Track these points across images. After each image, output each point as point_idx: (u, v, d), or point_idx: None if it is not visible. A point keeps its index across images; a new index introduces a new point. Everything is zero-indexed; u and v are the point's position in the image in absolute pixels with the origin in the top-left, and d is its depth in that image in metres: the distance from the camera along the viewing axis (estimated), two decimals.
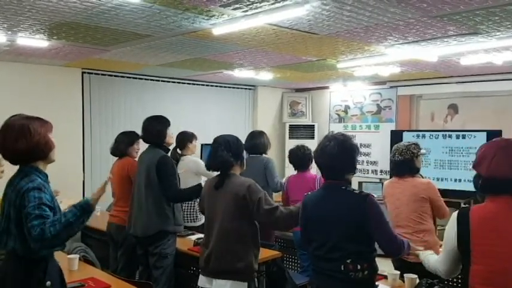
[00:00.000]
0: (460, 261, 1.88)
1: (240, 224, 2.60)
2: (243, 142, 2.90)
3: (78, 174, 5.38)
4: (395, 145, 3.32)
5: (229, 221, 2.60)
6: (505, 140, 1.92)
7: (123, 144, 3.98)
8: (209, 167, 2.79)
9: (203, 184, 3.08)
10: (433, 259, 2.13)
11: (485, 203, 1.85)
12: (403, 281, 2.73)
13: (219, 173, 2.73)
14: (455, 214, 1.89)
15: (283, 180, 4.31)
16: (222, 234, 2.62)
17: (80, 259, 3.13)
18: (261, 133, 4.33)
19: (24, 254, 2.01)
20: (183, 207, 4.06)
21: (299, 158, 4.13)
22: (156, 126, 3.47)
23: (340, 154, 2.22)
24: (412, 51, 4.00)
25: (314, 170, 3.89)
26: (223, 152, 2.65)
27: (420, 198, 3.11)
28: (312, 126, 7.26)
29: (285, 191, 4.23)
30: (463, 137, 5.46)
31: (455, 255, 1.88)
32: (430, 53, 4.07)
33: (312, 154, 2.67)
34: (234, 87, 7.04)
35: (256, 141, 4.20)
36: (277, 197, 5.40)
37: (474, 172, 1.90)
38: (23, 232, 1.96)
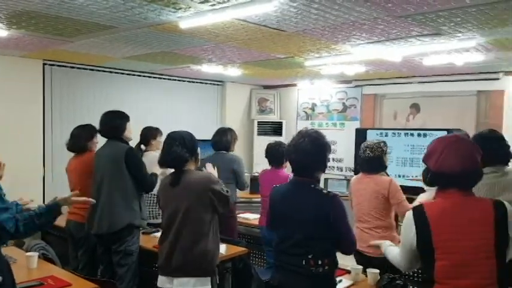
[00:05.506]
0: (419, 258, 1.89)
1: (199, 219, 2.57)
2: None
3: (38, 169, 5.19)
4: (365, 142, 3.39)
5: (187, 218, 2.57)
6: (456, 135, 1.98)
7: (82, 139, 3.79)
8: (162, 163, 2.70)
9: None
10: (394, 252, 2.15)
11: (437, 200, 1.88)
12: (366, 276, 2.79)
13: (173, 170, 2.68)
14: (410, 214, 1.88)
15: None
16: (181, 231, 2.59)
17: (39, 257, 3.03)
18: (226, 130, 4.36)
19: None
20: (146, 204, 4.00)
21: (276, 154, 4.14)
22: (115, 119, 3.44)
23: (313, 151, 2.23)
24: (377, 50, 4.08)
25: (288, 169, 3.93)
26: (178, 148, 2.59)
27: (381, 196, 3.19)
28: (280, 123, 7.30)
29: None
30: (424, 135, 5.62)
31: (414, 253, 1.89)
32: (394, 52, 4.16)
33: None
34: (202, 83, 6.97)
35: (222, 138, 4.28)
36: (242, 194, 5.40)
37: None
38: None
